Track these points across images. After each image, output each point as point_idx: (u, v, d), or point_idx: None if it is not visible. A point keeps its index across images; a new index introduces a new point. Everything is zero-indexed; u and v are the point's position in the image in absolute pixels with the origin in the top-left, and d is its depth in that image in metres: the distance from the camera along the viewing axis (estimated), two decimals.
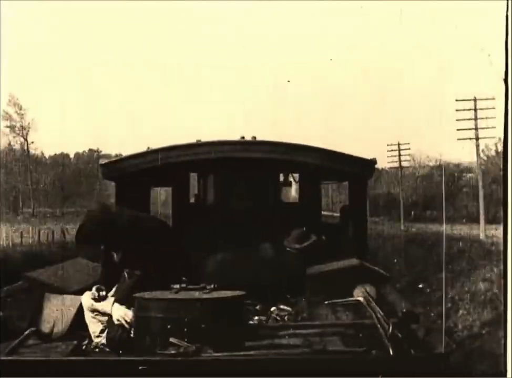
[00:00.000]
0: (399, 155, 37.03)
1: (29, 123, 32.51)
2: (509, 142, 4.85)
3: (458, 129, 28.91)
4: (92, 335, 4.98)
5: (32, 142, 33.06)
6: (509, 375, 4.33)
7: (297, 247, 6.56)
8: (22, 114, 32.13)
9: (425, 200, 37.51)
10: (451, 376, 3.93)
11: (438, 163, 39.95)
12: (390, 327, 4.19)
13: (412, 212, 34.94)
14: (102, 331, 4.98)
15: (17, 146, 32.31)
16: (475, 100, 27.93)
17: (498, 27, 4.92)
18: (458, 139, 29.04)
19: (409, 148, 37.30)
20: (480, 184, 27.56)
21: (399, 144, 36.95)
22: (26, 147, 32.50)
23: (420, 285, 13.10)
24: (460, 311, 11.02)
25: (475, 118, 27.99)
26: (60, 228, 24.46)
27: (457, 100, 28.01)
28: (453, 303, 11.66)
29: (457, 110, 28.83)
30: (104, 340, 4.91)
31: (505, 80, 4.89)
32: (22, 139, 32.33)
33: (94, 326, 5.02)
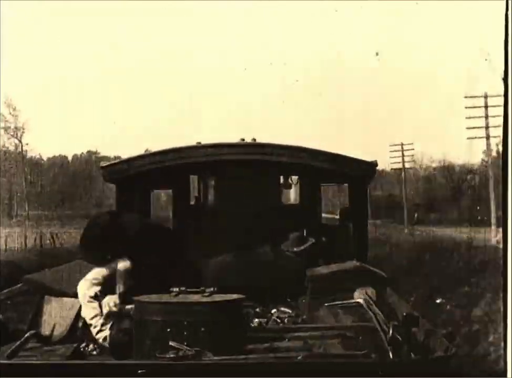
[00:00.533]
0: (403, 156, 36.17)
1: (23, 124, 32.19)
2: (509, 142, 4.84)
3: (467, 128, 27.56)
4: (94, 331, 4.95)
5: (27, 143, 32.81)
6: (509, 375, 4.32)
7: (294, 250, 6.56)
8: (17, 115, 31.81)
9: (428, 202, 36.56)
10: None
11: (442, 164, 39.06)
12: (390, 330, 4.18)
13: (416, 215, 33.86)
14: (103, 324, 4.98)
15: (12, 148, 32.02)
16: (486, 96, 26.68)
17: (497, 26, 4.92)
18: (468, 138, 27.73)
19: (412, 149, 36.33)
20: (491, 185, 26.57)
21: (402, 145, 36.06)
22: (20, 149, 32.23)
23: (438, 301, 11.47)
24: (492, 336, 8.88)
25: (486, 117, 26.68)
26: (50, 233, 23.64)
27: (465, 97, 26.73)
28: (481, 323, 9.58)
29: (466, 107, 27.43)
30: (107, 333, 4.88)
31: (505, 80, 4.88)
32: (16, 141, 32.00)
33: (94, 319, 5.01)
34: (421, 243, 21.94)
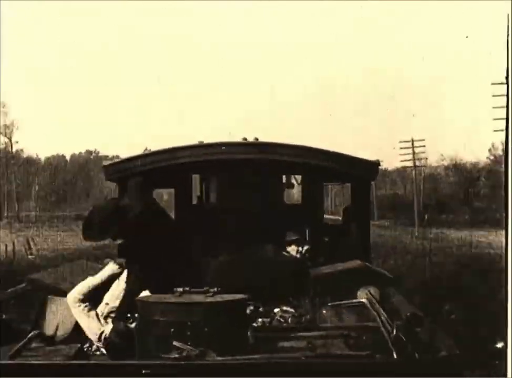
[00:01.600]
0: (413, 153, 34.52)
1: (12, 122, 31.85)
2: (510, 142, 4.83)
3: (494, 119, 25.64)
4: (93, 335, 4.94)
5: (17, 142, 32.54)
6: (509, 375, 4.32)
7: (298, 257, 6.54)
8: (6, 112, 31.44)
9: (440, 203, 34.59)
10: None
11: (454, 161, 37.09)
12: (394, 330, 4.18)
13: (425, 216, 32.30)
14: (105, 318, 4.96)
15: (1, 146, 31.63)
16: None
17: (499, 26, 4.90)
18: (494, 130, 26.07)
19: (423, 145, 34.41)
20: None
21: (413, 141, 34.39)
22: (10, 147, 31.88)
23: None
24: None
25: None
26: (26, 238, 22.68)
27: (492, 84, 25.09)
28: None
29: (493, 96, 25.59)
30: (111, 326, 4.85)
31: (506, 79, 4.88)
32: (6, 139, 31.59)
33: (92, 324, 5.00)
34: (441, 251, 20.11)
